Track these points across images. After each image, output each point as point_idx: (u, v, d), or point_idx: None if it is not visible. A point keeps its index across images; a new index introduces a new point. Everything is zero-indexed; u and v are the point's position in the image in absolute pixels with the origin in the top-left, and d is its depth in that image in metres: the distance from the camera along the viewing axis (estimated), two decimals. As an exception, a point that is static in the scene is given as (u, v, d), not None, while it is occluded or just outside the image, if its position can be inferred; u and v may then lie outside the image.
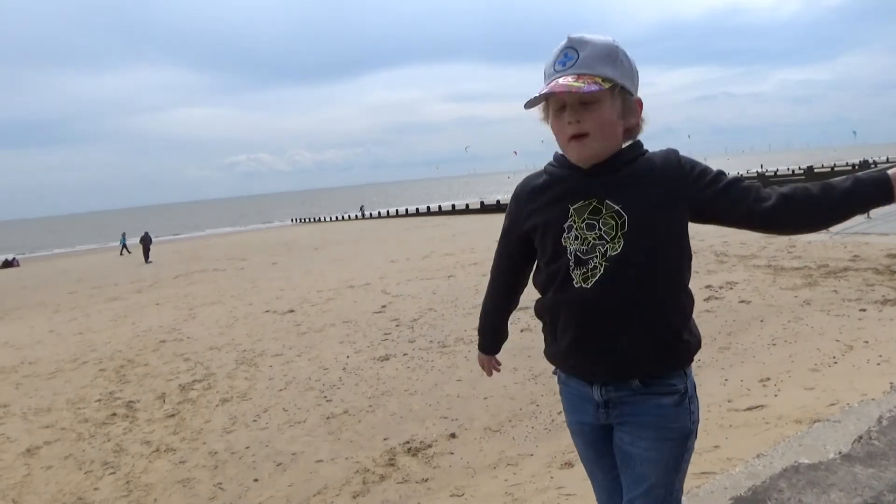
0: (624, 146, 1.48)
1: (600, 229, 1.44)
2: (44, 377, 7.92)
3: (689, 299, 1.52)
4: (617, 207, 1.43)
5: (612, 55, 1.44)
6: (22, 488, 4.69)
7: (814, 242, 10.39)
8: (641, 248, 1.42)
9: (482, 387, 5.57)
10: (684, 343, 1.47)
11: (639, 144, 1.50)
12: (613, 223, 1.43)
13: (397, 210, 57.92)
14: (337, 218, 64.21)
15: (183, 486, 4.43)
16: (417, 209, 55.61)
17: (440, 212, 49.88)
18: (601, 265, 1.44)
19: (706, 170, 1.45)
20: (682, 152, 1.52)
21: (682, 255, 1.49)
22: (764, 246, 10.63)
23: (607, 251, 1.43)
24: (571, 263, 1.46)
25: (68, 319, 12.91)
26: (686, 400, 1.48)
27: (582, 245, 1.45)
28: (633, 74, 1.47)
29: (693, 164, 1.46)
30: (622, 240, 1.42)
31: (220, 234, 55.81)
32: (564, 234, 1.47)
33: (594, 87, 1.38)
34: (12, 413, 6.54)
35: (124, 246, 38.88)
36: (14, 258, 41.30)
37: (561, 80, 1.39)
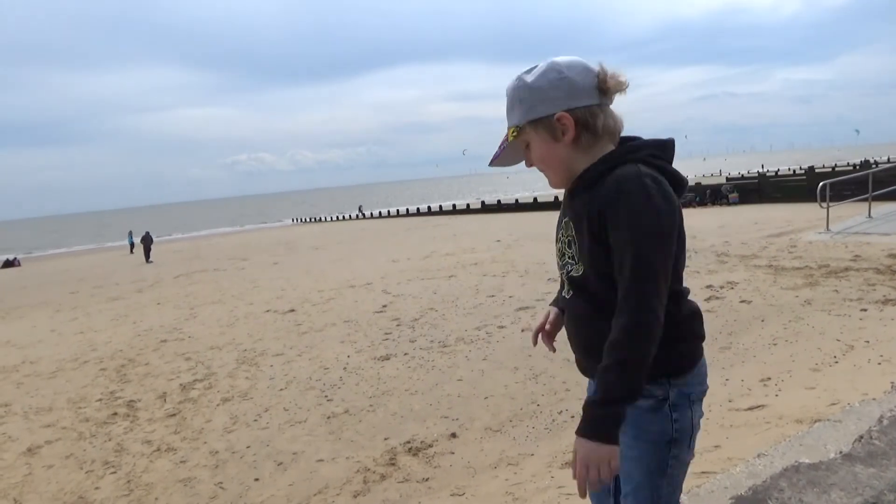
0: (598, 159, 1.46)
1: (570, 248, 1.52)
2: (45, 376, 7.93)
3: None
4: (572, 231, 1.50)
5: (513, 100, 1.51)
6: (23, 487, 4.70)
7: (815, 242, 10.38)
8: (593, 274, 1.46)
9: (483, 386, 5.58)
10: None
11: (606, 159, 1.45)
12: (574, 244, 1.50)
13: (398, 210, 57.93)
14: (335, 218, 64.27)
15: (184, 485, 4.43)
16: (418, 209, 55.61)
17: (441, 211, 49.88)
18: (567, 280, 1.56)
19: (625, 223, 1.35)
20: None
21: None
22: (765, 246, 10.62)
23: (571, 270, 1.52)
24: (562, 272, 1.58)
25: (69, 319, 12.92)
26: (666, 406, 1.48)
27: (560, 259, 1.56)
28: (544, 97, 1.45)
29: (621, 206, 1.36)
30: (580, 263, 1.49)
31: (221, 233, 55.81)
32: (557, 246, 1.58)
33: (501, 146, 1.54)
34: (13, 412, 6.55)
35: (132, 244, 39.18)
36: (16, 258, 41.35)
37: None
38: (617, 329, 1.35)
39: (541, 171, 1.55)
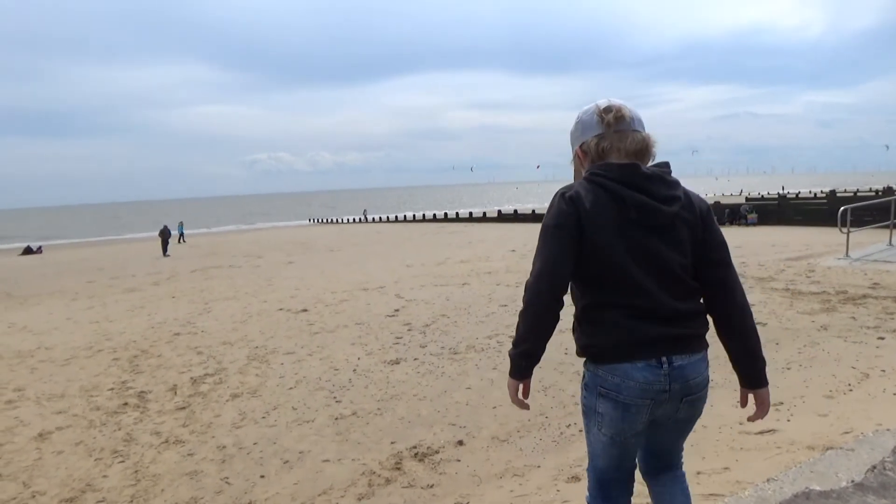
0: None
1: None
2: (59, 363, 8.02)
3: (576, 310, 1.90)
4: None
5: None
6: (33, 471, 4.75)
7: (833, 268, 10.27)
8: None
9: (491, 396, 5.57)
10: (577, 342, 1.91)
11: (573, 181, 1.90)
12: None
13: (413, 215, 58.01)
14: (342, 220, 64.73)
15: (190, 478, 4.46)
16: (434, 215, 55.69)
17: (457, 218, 49.93)
18: None
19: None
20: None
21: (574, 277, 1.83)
22: (782, 269, 10.52)
23: None
24: None
25: (86, 308, 13.07)
26: (583, 383, 1.93)
27: None
28: (572, 139, 1.91)
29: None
30: None
31: (237, 230, 56.24)
32: None
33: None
34: (26, 397, 6.64)
35: (181, 234, 40.84)
36: (39, 246, 41.94)
37: None
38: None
39: None
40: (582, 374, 1.94)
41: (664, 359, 1.77)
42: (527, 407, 2.00)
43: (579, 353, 1.91)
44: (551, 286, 1.76)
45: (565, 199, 1.76)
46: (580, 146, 1.85)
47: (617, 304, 1.77)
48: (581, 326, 1.87)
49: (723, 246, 1.86)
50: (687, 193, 1.83)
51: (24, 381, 7.30)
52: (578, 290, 1.86)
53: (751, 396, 1.95)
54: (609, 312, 1.79)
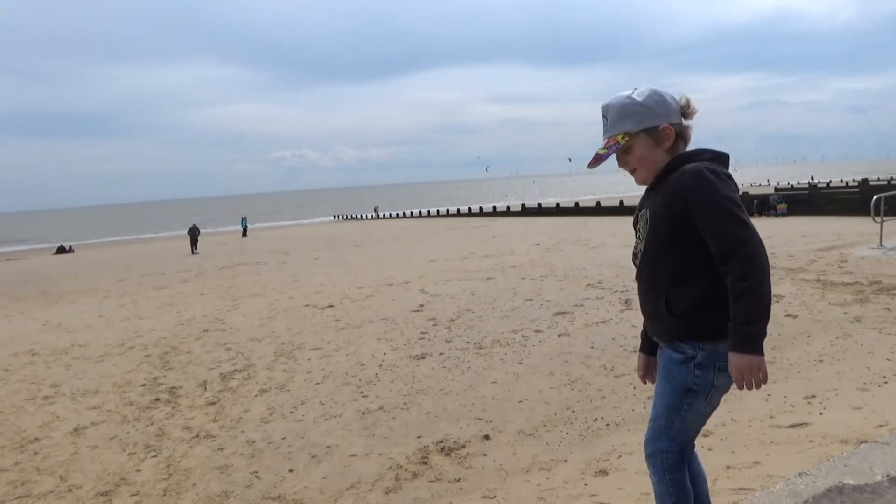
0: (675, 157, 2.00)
1: (641, 232, 2.07)
2: (92, 360, 8.21)
3: (692, 288, 1.91)
4: (647, 214, 2.03)
5: (627, 110, 1.99)
6: (69, 465, 4.88)
7: (867, 258, 10.04)
8: (649, 247, 2.00)
9: (517, 390, 5.56)
10: (685, 320, 1.93)
11: (676, 160, 1.98)
12: (644, 226, 2.04)
13: (437, 210, 58.04)
14: (365, 216, 65.23)
15: (220, 472, 4.53)
16: (458, 210, 55.66)
17: (481, 213, 49.85)
18: (637, 258, 2.09)
19: (707, 198, 1.85)
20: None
21: (683, 252, 1.91)
22: (813, 259, 10.31)
23: (639, 249, 2.07)
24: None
25: (117, 305, 13.35)
26: (692, 363, 1.94)
27: (638, 244, 2.10)
28: (652, 113, 1.97)
29: (698, 187, 1.86)
30: (644, 240, 2.03)
31: (263, 227, 56.85)
32: (637, 233, 2.13)
33: (612, 149, 2.02)
34: (62, 393, 6.80)
35: (245, 228, 42.81)
36: (70, 246, 42.91)
37: (600, 145, 2.05)
38: (734, 276, 1.79)
39: (631, 171, 2.06)
40: (685, 357, 1.95)
41: None
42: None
43: (701, 334, 1.91)
44: (763, 251, 1.83)
45: (732, 179, 1.92)
46: (670, 124, 1.98)
47: (722, 281, 1.85)
48: (703, 307, 1.89)
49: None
50: None
51: (59, 377, 7.49)
52: (708, 272, 1.87)
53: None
54: (722, 289, 1.84)
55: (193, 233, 31.24)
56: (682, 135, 2.00)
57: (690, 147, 2.04)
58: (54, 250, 41.54)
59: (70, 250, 41.29)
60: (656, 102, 1.97)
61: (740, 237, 1.79)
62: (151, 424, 5.59)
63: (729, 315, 1.80)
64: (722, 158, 1.97)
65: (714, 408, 2.02)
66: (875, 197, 11.22)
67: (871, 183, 30.86)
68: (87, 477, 4.65)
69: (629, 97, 1.99)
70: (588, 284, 10.08)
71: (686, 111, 2.02)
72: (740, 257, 1.78)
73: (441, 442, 4.64)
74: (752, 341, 1.78)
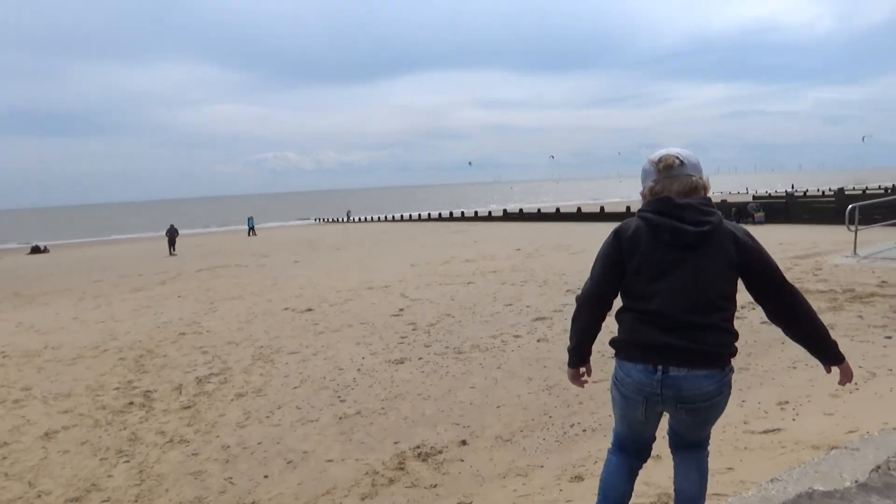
0: None
1: None
2: (65, 363, 8.06)
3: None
4: None
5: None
6: (38, 471, 4.78)
7: (841, 266, 10.21)
8: None
9: (496, 395, 5.56)
10: None
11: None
12: None
13: (419, 214, 58.02)
14: (339, 219, 65.23)
15: (194, 478, 4.47)
16: (440, 214, 55.68)
17: (462, 217, 49.90)
18: None
19: None
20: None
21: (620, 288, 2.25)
22: (789, 267, 10.46)
23: None
24: None
25: (92, 307, 13.13)
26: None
27: None
28: (642, 181, 2.24)
29: None
30: None
31: (244, 229, 56.30)
32: None
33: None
34: (33, 396, 6.67)
35: (251, 228, 42.93)
36: (45, 246, 42.18)
37: None
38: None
39: None
40: None
41: (659, 367, 2.06)
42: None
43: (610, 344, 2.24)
44: (587, 297, 2.24)
45: (612, 233, 2.20)
46: (642, 191, 2.24)
47: (633, 309, 2.13)
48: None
49: (764, 261, 2.12)
50: (722, 221, 2.11)
51: (31, 380, 7.34)
52: (620, 297, 2.22)
53: (834, 368, 2.25)
54: (626, 315, 2.16)
55: (171, 234, 30.87)
56: (653, 193, 2.19)
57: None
58: (28, 250, 40.80)
59: (45, 250, 40.57)
60: (642, 171, 2.26)
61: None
62: (124, 429, 5.50)
63: (619, 336, 2.18)
64: (648, 205, 2.18)
65: (626, 423, 2.28)
66: (850, 206, 11.41)
67: (846, 192, 31.40)
68: (57, 483, 4.56)
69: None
70: (568, 290, 10.12)
71: (656, 168, 2.19)
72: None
73: (418, 447, 4.62)
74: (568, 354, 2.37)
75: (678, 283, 2.05)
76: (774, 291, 2.13)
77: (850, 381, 2.28)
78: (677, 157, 2.17)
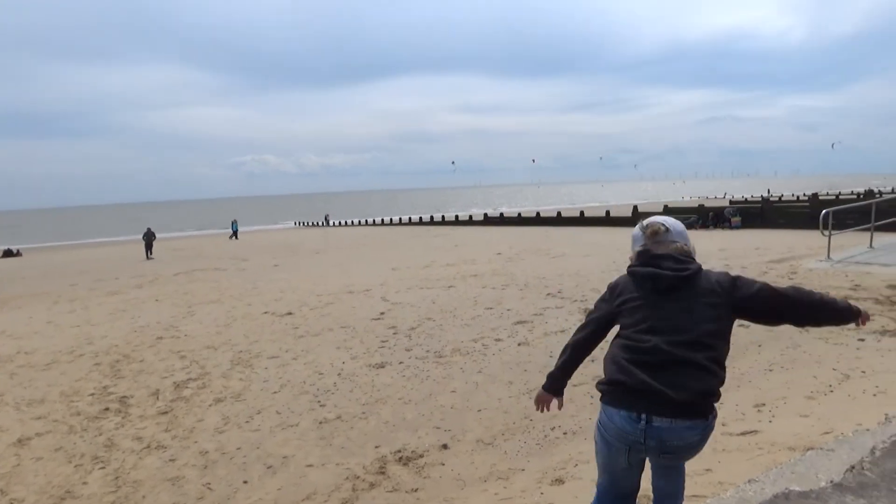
0: None
1: None
2: (39, 368, 7.91)
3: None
4: None
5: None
6: (11, 479, 4.68)
7: (815, 270, 10.37)
8: None
9: (476, 399, 5.56)
10: None
11: None
12: None
13: (400, 218, 57.96)
14: (313, 223, 65.13)
15: (172, 484, 4.41)
16: (421, 218, 55.69)
17: (444, 221, 49.94)
18: None
19: None
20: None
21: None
22: (765, 271, 10.61)
23: None
24: None
25: (67, 311, 12.91)
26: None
27: None
28: (631, 245, 2.41)
29: None
30: None
31: (223, 233, 55.82)
32: None
33: None
34: (5, 403, 6.54)
35: (235, 231, 42.53)
36: (17, 249, 41.39)
37: None
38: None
39: None
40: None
41: (643, 416, 2.05)
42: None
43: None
44: (578, 341, 2.37)
45: (608, 287, 2.38)
46: (630, 255, 2.40)
47: (620, 349, 2.18)
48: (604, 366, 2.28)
49: (758, 294, 2.27)
50: (702, 268, 2.24)
51: (2, 386, 7.19)
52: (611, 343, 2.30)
53: None
54: (612, 357, 2.21)
55: (148, 237, 30.49)
56: (639, 256, 2.33)
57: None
58: (0, 254, 40.03)
59: (17, 254, 39.82)
60: (632, 236, 2.43)
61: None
62: (100, 435, 5.42)
63: (604, 380, 2.21)
64: (636, 259, 2.33)
65: (609, 471, 2.31)
66: (823, 211, 11.60)
67: (820, 198, 31.95)
68: (30, 490, 4.47)
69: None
70: (548, 294, 10.17)
71: (645, 233, 2.35)
72: None
73: (399, 451, 4.61)
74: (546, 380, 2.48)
75: (663, 322, 2.14)
76: (777, 313, 2.34)
77: (869, 320, 2.39)
78: (663, 224, 2.33)
